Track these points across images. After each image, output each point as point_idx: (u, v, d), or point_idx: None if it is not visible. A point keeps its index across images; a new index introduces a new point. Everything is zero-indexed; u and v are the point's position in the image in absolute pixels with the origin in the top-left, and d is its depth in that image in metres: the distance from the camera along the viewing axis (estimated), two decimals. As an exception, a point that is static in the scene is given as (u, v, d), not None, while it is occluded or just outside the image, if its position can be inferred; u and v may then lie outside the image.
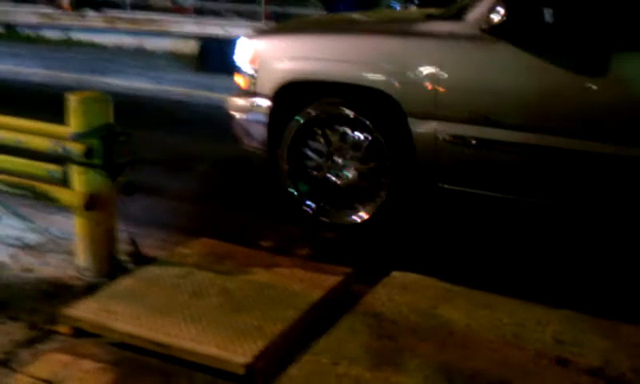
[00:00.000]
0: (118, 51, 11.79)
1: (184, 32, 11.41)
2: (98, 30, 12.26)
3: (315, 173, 4.27)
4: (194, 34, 11.20)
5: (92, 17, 12.37)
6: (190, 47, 11.11)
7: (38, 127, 3.42)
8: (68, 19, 12.51)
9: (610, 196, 3.64)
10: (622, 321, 2.96)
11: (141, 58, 11.08)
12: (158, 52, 11.59)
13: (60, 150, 3.24)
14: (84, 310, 2.97)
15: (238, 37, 4.68)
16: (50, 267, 3.51)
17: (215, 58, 10.20)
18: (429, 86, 3.82)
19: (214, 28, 11.13)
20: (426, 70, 3.83)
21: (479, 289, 3.24)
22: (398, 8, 11.45)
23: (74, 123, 3.23)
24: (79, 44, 12.27)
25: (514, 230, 4.18)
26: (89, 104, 3.26)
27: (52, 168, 3.40)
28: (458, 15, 3.89)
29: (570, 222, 3.90)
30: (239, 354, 2.67)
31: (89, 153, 3.18)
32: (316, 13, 10.64)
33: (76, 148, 3.18)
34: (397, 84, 3.91)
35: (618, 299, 3.34)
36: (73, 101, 3.24)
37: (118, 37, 12.09)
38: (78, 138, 3.20)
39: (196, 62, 10.43)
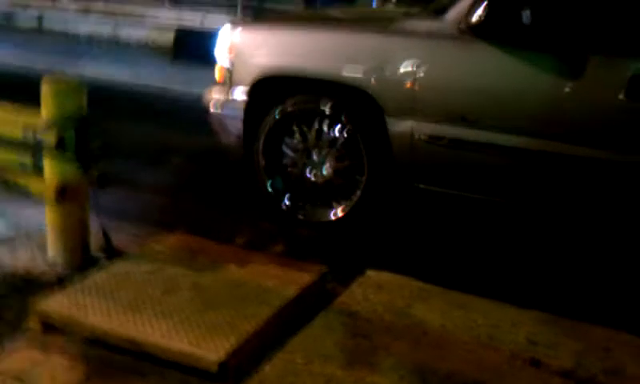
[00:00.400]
0: (92, 40, 11.62)
1: (159, 22, 11.29)
2: (72, 18, 12.08)
3: (291, 169, 4.23)
4: (170, 24, 11.08)
5: (65, 3, 12.17)
6: (166, 38, 10.99)
7: (9, 115, 3.34)
8: (40, 5, 12.30)
9: (586, 199, 3.66)
10: (595, 323, 2.98)
11: (115, 48, 10.93)
12: (133, 41, 11.45)
13: (31, 138, 3.17)
14: (54, 305, 2.91)
15: (216, 29, 4.63)
16: (19, 260, 3.43)
17: (191, 49, 10.11)
18: (406, 84, 3.81)
19: (191, 19, 11.02)
20: (404, 68, 3.82)
21: (454, 289, 3.24)
22: (375, 5, 11.44)
23: (46, 112, 3.17)
24: (51, 32, 12.07)
25: (490, 231, 4.19)
26: (62, 92, 3.19)
27: (23, 157, 3.33)
28: (437, 14, 3.89)
29: (545, 224, 3.92)
30: (212, 351, 2.64)
31: (61, 142, 3.11)
32: (295, 7, 10.60)
33: (48, 137, 3.12)
34: (374, 81, 3.89)
35: (591, 301, 3.36)
36: (46, 88, 3.17)
37: (92, 26, 11.91)
38: (50, 126, 3.13)
39: (172, 52, 10.32)
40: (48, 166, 3.21)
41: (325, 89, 4.04)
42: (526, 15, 3.53)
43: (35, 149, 3.22)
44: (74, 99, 3.21)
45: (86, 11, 11.91)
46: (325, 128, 4.10)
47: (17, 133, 3.22)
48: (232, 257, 3.46)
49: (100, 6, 11.90)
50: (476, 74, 3.73)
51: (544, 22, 3.59)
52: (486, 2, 3.56)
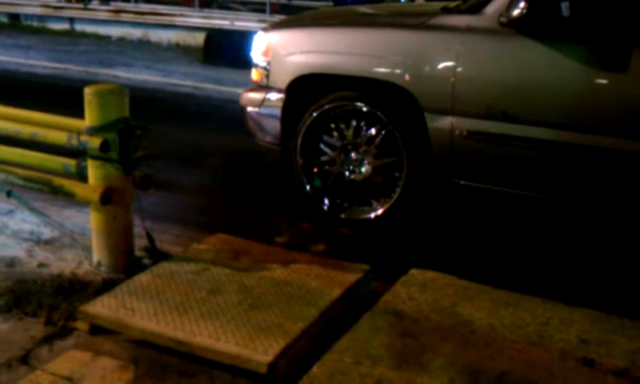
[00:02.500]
0: (123, 43, 11.75)
1: (190, 24, 11.37)
2: (103, 21, 12.22)
3: (329, 167, 4.22)
4: (200, 25, 11.15)
5: (97, 8, 12.32)
6: (196, 39, 11.07)
7: (53, 120, 3.38)
8: (72, 10, 12.46)
9: (633, 195, 3.59)
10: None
11: (146, 50, 11.04)
12: (164, 44, 11.55)
13: (76, 143, 3.20)
14: (102, 307, 2.94)
15: (247, 29, 4.64)
16: (65, 262, 3.48)
17: (222, 50, 10.17)
18: (446, 80, 3.78)
19: (221, 20, 11.08)
20: (444, 63, 3.79)
21: (499, 287, 3.20)
22: (403, 1, 11.36)
23: (89, 116, 3.19)
24: (83, 35, 12.24)
25: (533, 227, 4.13)
26: (105, 97, 3.22)
27: (67, 162, 3.37)
28: (476, 9, 3.84)
29: (589, 219, 3.85)
30: (260, 353, 2.64)
31: (105, 146, 3.14)
32: (323, 5, 10.59)
33: (92, 142, 3.14)
34: (413, 78, 3.86)
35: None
36: (89, 94, 3.20)
37: (122, 28, 12.05)
38: (94, 131, 3.16)
39: (202, 54, 10.38)
40: (92, 170, 3.24)
41: (363, 86, 4.02)
42: (568, 8, 3.47)
43: (80, 153, 3.25)
44: (117, 103, 3.23)
45: (117, 13, 12.03)
46: (363, 126, 4.08)
47: (62, 138, 3.25)
48: (275, 257, 3.46)
49: (131, 9, 12.01)
50: (517, 69, 3.68)
51: (586, 15, 3.54)
52: (527, -4, 3.51)
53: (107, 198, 3.21)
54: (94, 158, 3.21)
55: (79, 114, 3.28)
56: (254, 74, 4.45)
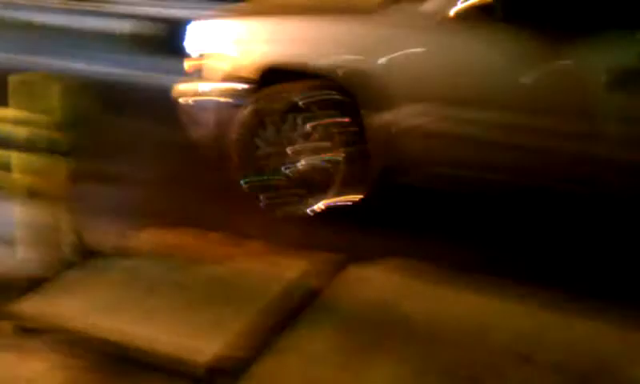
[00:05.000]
0: (46, 28, 11.28)
1: (117, 11, 11.02)
2: (25, 6, 11.72)
3: (266, 163, 4.15)
4: (128, 13, 10.84)
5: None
6: (124, 27, 10.76)
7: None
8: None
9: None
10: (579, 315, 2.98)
11: (71, 38, 10.62)
12: (88, 31, 11.15)
13: (2, 133, 3.02)
14: (29, 307, 2.80)
15: (183, 18, 4.50)
16: (-14, 259, 3.29)
17: (153, 38, 9.93)
18: (384, 73, 3.76)
19: (150, 7, 10.80)
20: (382, 55, 3.76)
21: (439, 282, 3.21)
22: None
23: (17, 106, 3.03)
24: (2, 21, 11.69)
25: (467, 219, 4.17)
26: (33, 85, 3.06)
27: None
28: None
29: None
30: (199, 353, 2.56)
31: (33, 137, 2.98)
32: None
33: (20, 132, 2.98)
34: (350, 71, 3.82)
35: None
36: (15, 82, 3.04)
37: (45, 14, 11.58)
38: (21, 121, 3.00)
39: (131, 42, 10.09)
40: (20, 161, 3.07)
41: (300, 79, 3.96)
42: None
43: (5, 144, 3.08)
44: (47, 92, 3.07)
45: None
46: (299, 121, 4.03)
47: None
48: (211, 253, 3.39)
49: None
50: (460, 60, 3.66)
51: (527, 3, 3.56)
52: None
53: (36, 190, 3.04)
54: (22, 148, 3.05)
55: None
56: (190, 66, 4.33)
